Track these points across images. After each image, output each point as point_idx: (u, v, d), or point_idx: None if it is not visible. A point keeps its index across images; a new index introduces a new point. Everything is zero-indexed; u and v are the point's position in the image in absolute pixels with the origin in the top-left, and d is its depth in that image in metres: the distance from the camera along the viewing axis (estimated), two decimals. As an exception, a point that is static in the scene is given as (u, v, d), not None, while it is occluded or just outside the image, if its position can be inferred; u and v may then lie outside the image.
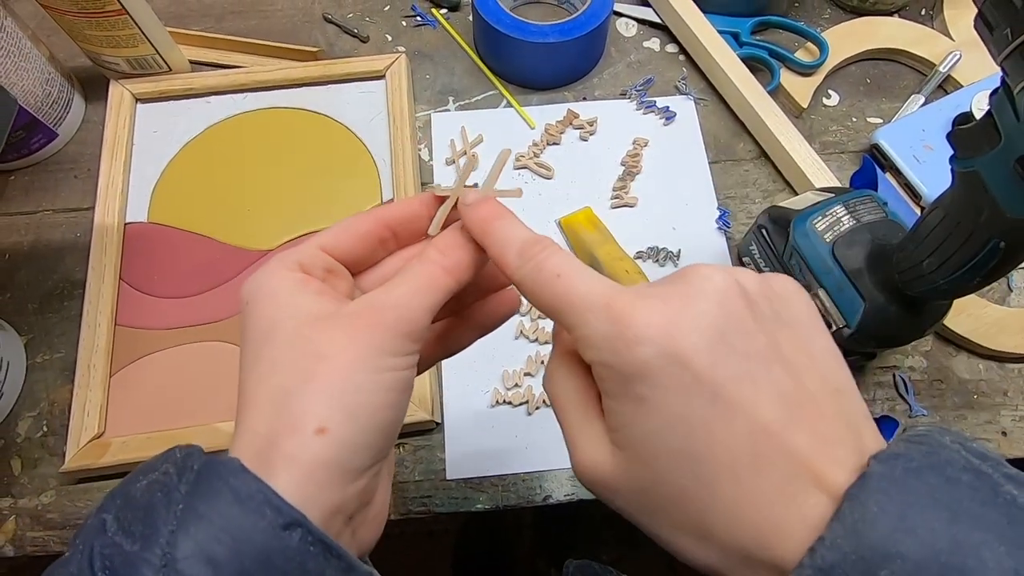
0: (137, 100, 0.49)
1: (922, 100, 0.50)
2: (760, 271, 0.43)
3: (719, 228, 0.47)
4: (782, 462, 0.17)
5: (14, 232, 0.46)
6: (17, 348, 0.42)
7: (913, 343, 0.42)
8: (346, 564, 0.18)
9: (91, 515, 0.18)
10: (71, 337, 0.42)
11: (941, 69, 0.50)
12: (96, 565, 0.17)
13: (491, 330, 0.27)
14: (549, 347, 0.42)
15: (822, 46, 0.50)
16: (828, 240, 0.37)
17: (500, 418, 0.41)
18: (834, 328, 0.37)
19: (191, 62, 0.51)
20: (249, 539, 0.17)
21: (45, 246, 0.46)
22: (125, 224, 0.45)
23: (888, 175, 0.46)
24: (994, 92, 0.25)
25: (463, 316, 0.27)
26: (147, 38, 0.46)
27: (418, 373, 0.23)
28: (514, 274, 0.21)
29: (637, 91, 0.51)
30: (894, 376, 0.42)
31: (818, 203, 0.39)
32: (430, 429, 0.40)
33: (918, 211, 0.45)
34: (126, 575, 0.16)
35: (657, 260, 0.45)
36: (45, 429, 0.40)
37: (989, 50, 0.24)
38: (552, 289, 0.20)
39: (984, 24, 0.23)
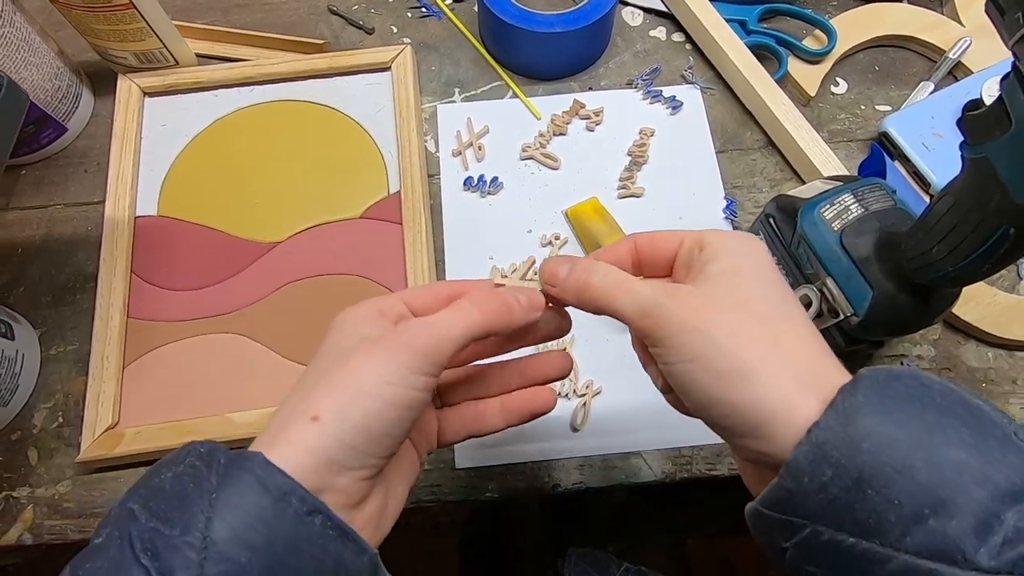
0: (145, 94, 0.50)
1: (931, 87, 0.49)
2: (767, 260, 0.43)
3: (726, 218, 0.47)
4: (791, 384, 0.20)
5: (27, 226, 0.47)
6: (32, 340, 0.42)
7: (922, 332, 0.42)
8: (359, 547, 0.21)
9: (114, 507, 0.20)
10: (84, 330, 0.43)
11: (951, 55, 0.49)
12: (136, 547, 0.18)
13: (520, 422, 0.29)
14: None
15: (830, 33, 0.50)
16: (836, 229, 0.37)
17: (508, 408, 0.41)
18: (842, 317, 0.37)
19: (197, 56, 0.51)
20: (278, 525, 0.19)
21: (57, 240, 0.46)
22: (135, 217, 0.46)
23: (897, 163, 0.46)
24: (1005, 77, 0.25)
25: (501, 400, 0.29)
26: (154, 32, 0.46)
27: (441, 445, 0.28)
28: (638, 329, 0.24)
29: (643, 80, 0.51)
30: (902, 364, 0.42)
31: (826, 191, 0.39)
32: (439, 419, 0.41)
33: (927, 199, 0.45)
34: (169, 556, 0.18)
35: (664, 250, 0.45)
36: (60, 420, 0.41)
37: (1000, 35, 0.24)
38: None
39: (995, 8, 0.23)
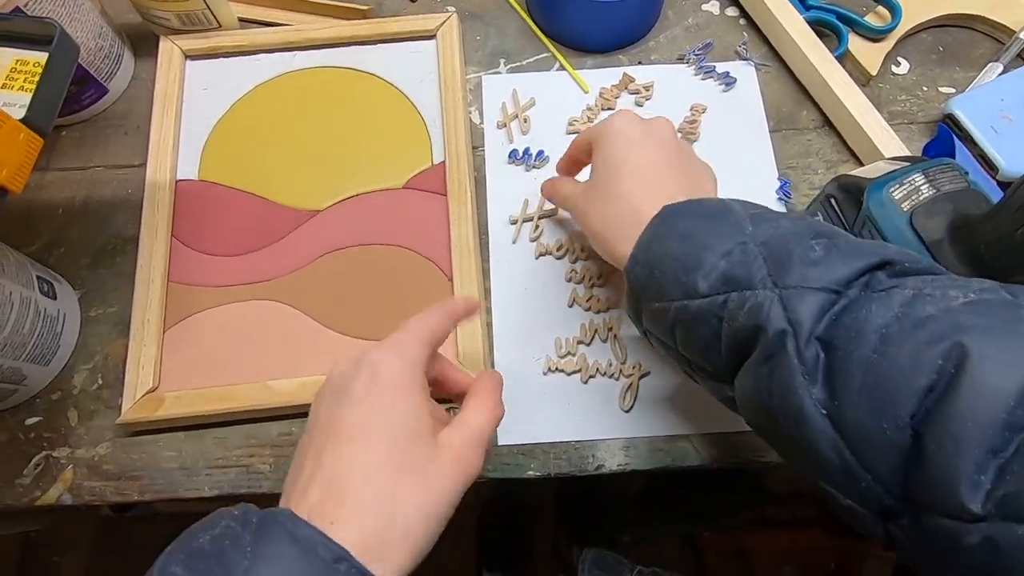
0: (187, 57, 0.49)
1: (1000, 68, 0.47)
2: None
3: (779, 199, 0.45)
4: (637, 218, 0.31)
5: (66, 187, 0.46)
6: (72, 302, 0.42)
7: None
8: None
9: (155, 570, 0.22)
10: (124, 292, 0.42)
11: (1022, 36, 0.47)
12: None
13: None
14: (603, 316, 0.41)
15: (895, 10, 0.48)
16: (906, 209, 0.35)
17: (552, 386, 0.40)
18: (908, 301, 0.35)
19: (240, 20, 0.50)
20: (308, 572, 0.21)
21: (97, 202, 0.46)
22: (176, 181, 0.45)
23: (962, 146, 0.44)
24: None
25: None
26: (198, -8, 0.45)
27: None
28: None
29: (696, 56, 0.49)
30: (963, 355, 0.40)
31: (894, 171, 0.37)
32: (481, 394, 0.40)
33: (994, 184, 0.43)
34: None
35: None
36: (100, 382, 0.41)
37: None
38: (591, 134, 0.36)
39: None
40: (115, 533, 1.07)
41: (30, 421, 0.40)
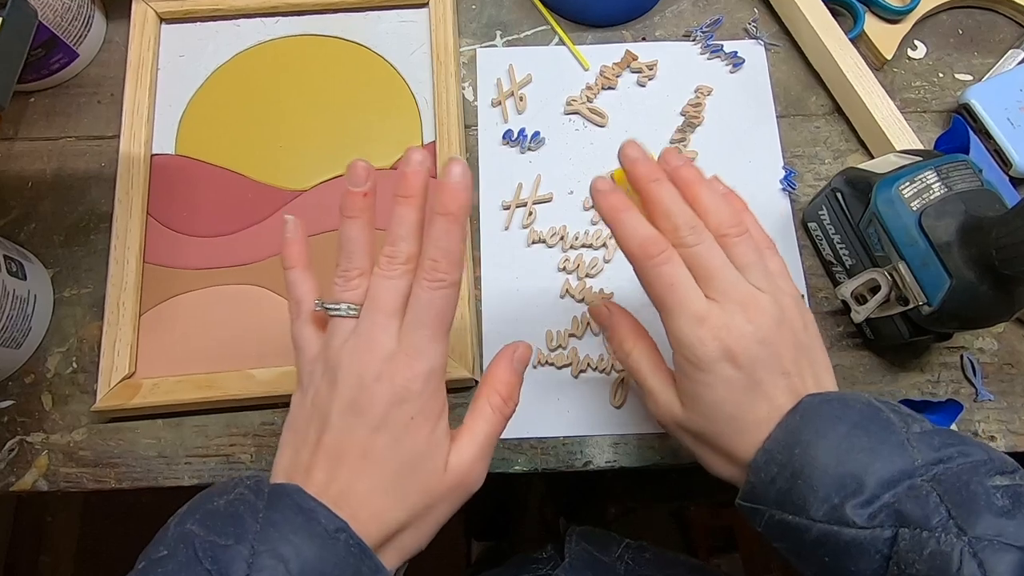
0: (162, 20, 0.46)
1: (1021, 56, 0.45)
2: (829, 239, 0.40)
3: (783, 189, 0.43)
4: (780, 415, 0.28)
5: (37, 159, 0.44)
6: (44, 281, 0.40)
7: (987, 324, 0.40)
8: (375, 565, 0.24)
9: (171, 529, 0.24)
10: (99, 273, 0.41)
11: (1046, 21, 0.45)
12: (200, 555, 0.22)
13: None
14: (596, 308, 0.40)
15: (915, -11, 0.45)
16: (915, 209, 0.34)
17: (542, 380, 0.39)
18: (912, 305, 0.34)
19: (219, -20, 0.47)
20: (311, 538, 0.23)
21: (69, 175, 0.43)
22: (152, 155, 0.43)
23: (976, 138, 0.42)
24: None
25: None
26: (173, -51, 0.42)
27: None
28: (634, 262, 0.29)
29: (703, 33, 0.47)
30: (962, 358, 0.39)
31: (904, 167, 0.36)
32: (469, 387, 0.39)
33: (1007, 181, 0.41)
34: (226, 560, 0.22)
35: (715, 221, 0.42)
36: (75, 366, 0.39)
37: None
38: (664, 292, 0.28)
39: None
40: (105, 496, 1.08)
41: (3, 405, 0.38)
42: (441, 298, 0.26)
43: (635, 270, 0.29)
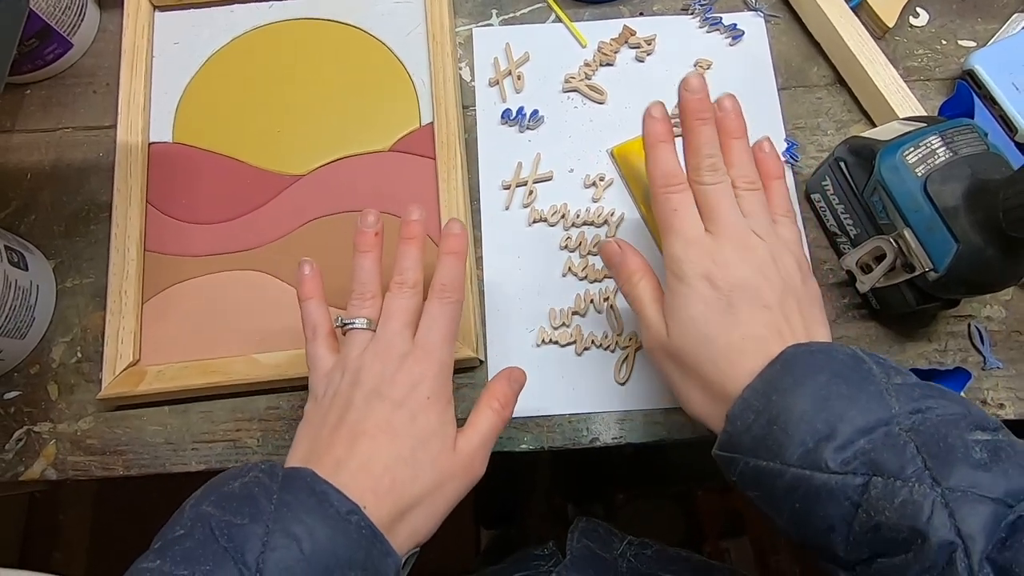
0: (155, 7, 0.45)
1: (1026, 20, 0.44)
2: (833, 209, 0.40)
3: (786, 161, 0.43)
4: (758, 354, 0.28)
5: (35, 150, 0.44)
6: (46, 272, 0.40)
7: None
8: (385, 549, 0.25)
9: (188, 510, 0.25)
10: (100, 262, 0.41)
11: (1051, -16, 0.44)
12: (217, 534, 0.23)
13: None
14: (599, 286, 0.40)
15: (916, -45, 0.44)
16: (920, 174, 0.33)
17: (546, 358, 0.39)
18: (918, 272, 0.34)
19: (211, -34, 0.46)
20: (324, 520, 0.24)
21: (67, 166, 0.43)
22: (149, 144, 0.43)
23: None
24: None
25: None
26: (164, -65, 0.41)
27: None
28: (652, 188, 0.32)
29: (701, 6, 0.46)
30: (969, 326, 0.39)
31: (908, 133, 0.35)
32: (473, 367, 0.39)
33: (1013, 146, 0.41)
34: (241, 538, 0.23)
35: (717, 195, 0.42)
36: (79, 355, 0.39)
37: None
38: (668, 216, 0.31)
39: None
40: (116, 492, 1.09)
41: (9, 395, 0.39)
42: (450, 310, 0.31)
43: (651, 198, 0.32)
